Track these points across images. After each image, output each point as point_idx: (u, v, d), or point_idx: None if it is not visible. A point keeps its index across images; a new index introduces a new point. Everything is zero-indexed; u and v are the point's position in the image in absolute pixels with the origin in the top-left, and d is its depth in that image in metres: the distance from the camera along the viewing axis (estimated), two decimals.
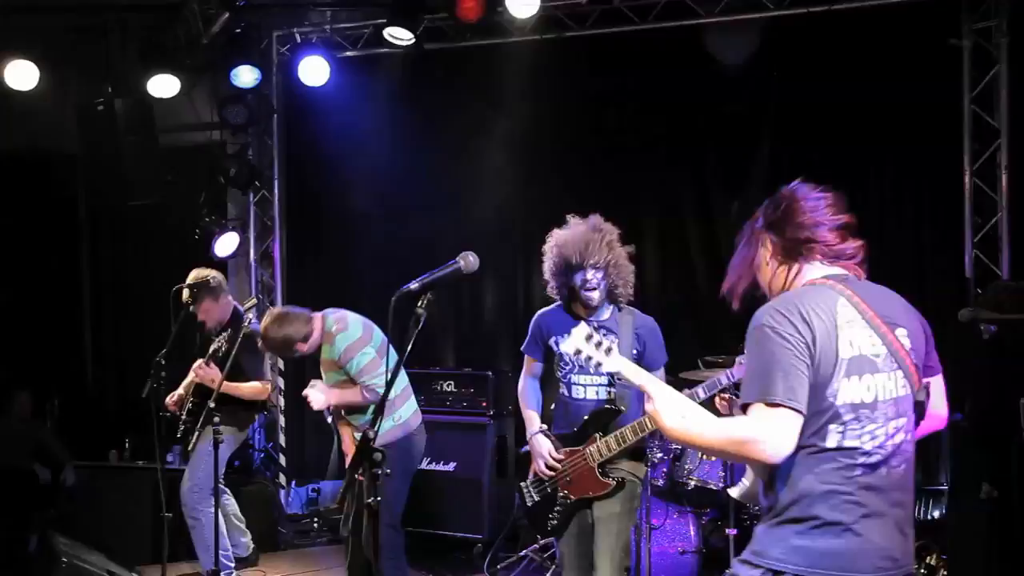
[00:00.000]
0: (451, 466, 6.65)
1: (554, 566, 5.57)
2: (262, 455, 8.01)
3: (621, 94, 7.15)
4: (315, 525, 7.54)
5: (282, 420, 8.08)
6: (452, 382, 6.86)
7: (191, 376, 5.48)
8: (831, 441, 2.24)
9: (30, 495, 7.29)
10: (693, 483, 5.27)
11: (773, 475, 2.31)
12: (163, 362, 4.98)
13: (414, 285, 3.14)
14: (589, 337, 2.75)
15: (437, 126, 7.70)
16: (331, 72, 7.24)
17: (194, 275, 5.49)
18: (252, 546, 6.26)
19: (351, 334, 4.62)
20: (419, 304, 3.05)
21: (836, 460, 2.24)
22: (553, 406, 4.16)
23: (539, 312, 4.30)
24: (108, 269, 8.74)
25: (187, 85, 7.40)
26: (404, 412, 4.71)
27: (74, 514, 6.78)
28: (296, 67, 7.28)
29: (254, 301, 5.32)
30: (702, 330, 6.41)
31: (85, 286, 8.77)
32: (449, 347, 7.93)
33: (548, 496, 4.05)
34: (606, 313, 4.07)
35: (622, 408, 3.93)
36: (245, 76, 7.32)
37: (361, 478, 2.79)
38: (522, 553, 6.20)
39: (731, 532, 5.03)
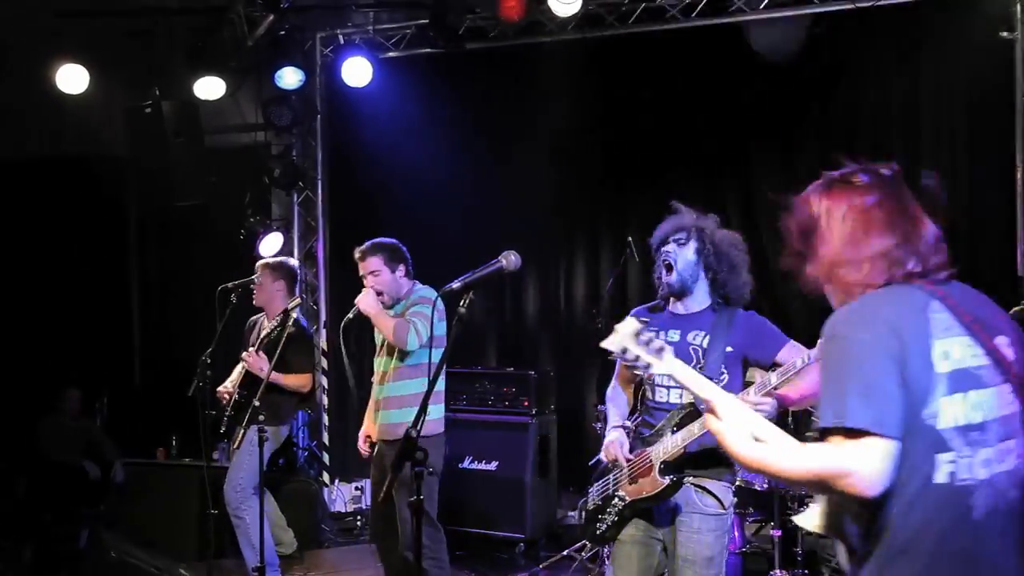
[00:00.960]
0: (493, 465, 6.65)
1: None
2: (306, 453, 8.08)
3: (664, 92, 7.11)
4: (358, 523, 7.59)
5: (326, 418, 8.14)
6: (494, 381, 6.86)
7: (239, 367, 5.55)
8: (941, 475, 1.88)
9: (80, 491, 7.42)
10: (737, 483, 5.21)
11: (871, 514, 1.91)
12: (209, 361, 5.04)
13: (456, 284, 3.14)
14: (638, 333, 2.33)
15: (480, 125, 7.72)
16: (374, 72, 7.29)
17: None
18: (295, 543, 6.31)
19: (434, 306, 4.51)
20: (461, 304, 3.05)
21: (949, 498, 1.88)
22: (638, 413, 3.75)
23: (636, 308, 3.81)
24: (155, 269, 8.87)
25: (232, 87, 7.49)
26: (438, 411, 4.71)
27: (123, 510, 6.89)
28: (339, 68, 7.34)
29: (298, 301, 5.36)
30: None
31: (133, 286, 8.91)
32: (491, 346, 7.95)
33: (607, 498, 3.66)
34: (697, 306, 3.58)
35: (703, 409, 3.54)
36: (289, 77, 7.38)
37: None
38: (564, 553, 6.19)
39: (775, 533, 4.99)
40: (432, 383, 2.99)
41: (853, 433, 1.83)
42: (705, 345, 3.49)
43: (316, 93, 8.01)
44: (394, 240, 4.87)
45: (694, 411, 3.40)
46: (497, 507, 6.57)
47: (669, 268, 3.52)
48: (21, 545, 6.43)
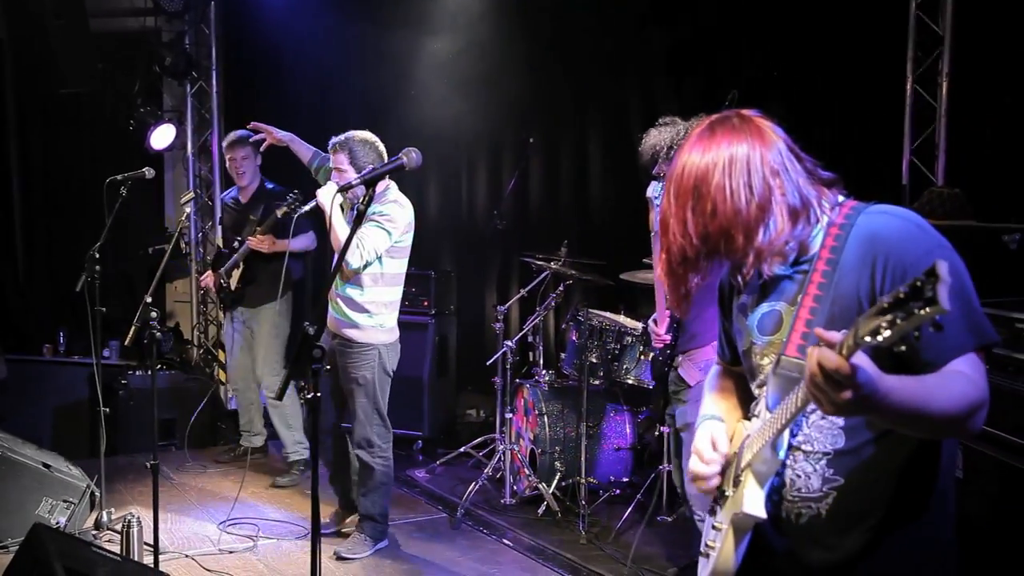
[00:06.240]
0: None
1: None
2: (201, 351, 7.99)
3: (571, 4, 6.98)
4: None
5: (221, 316, 8.02)
6: None
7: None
8: None
9: None
10: (630, 382, 5.38)
11: (933, 458, 1.80)
12: (97, 255, 4.88)
13: (355, 180, 3.10)
14: None
15: (382, 16, 7.48)
16: None
17: None
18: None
19: (405, 214, 4.50)
20: (361, 200, 3.01)
21: None
22: None
23: None
24: (39, 159, 8.44)
25: None
26: (392, 320, 4.70)
27: (7, 408, 6.72)
28: None
29: (191, 195, 5.24)
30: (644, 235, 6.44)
31: (14, 176, 8.48)
32: None
33: None
34: None
35: None
36: None
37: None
38: (462, 450, 6.31)
39: (664, 430, 5.18)
40: (329, 282, 2.97)
41: (980, 353, 1.69)
42: None
43: None
44: (369, 134, 4.65)
45: None
46: (396, 405, 6.57)
47: None
48: None
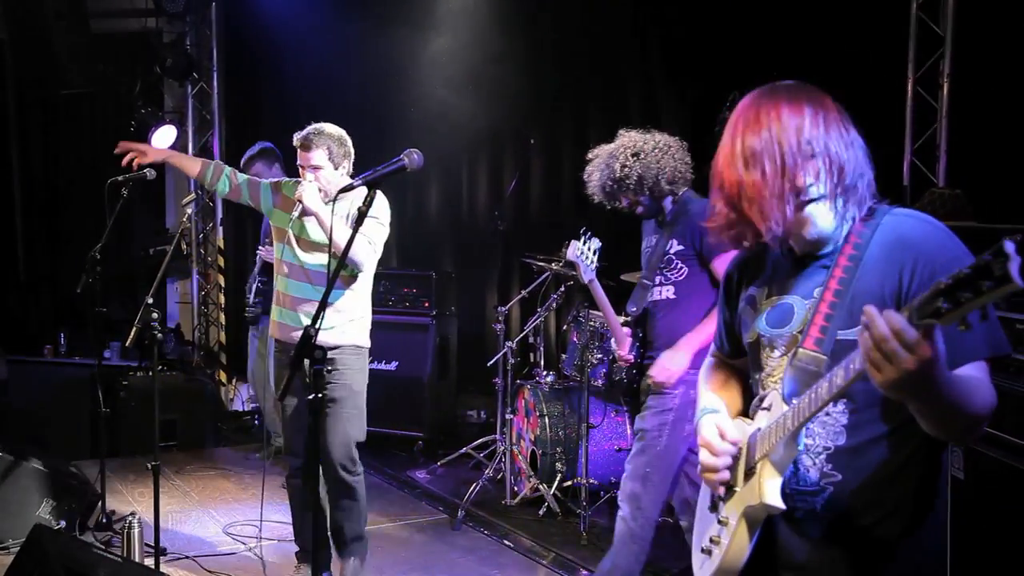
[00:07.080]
0: (393, 365, 6.69)
1: None
2: (203, 352, 7.99)
3: (571, 4, 6.98)
4: (255, 422, 7.57)
5: (223, 318, 8.04)
6: (395, 282, 6.84)
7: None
8: None
9: None
10: (625, 380, 5.35)
11: (934, 465, 1.84)
12: (98, 256, 4.88)
13: (357, 182, 3.10)
14: None
15: (382, 16, 7.48)
16: None
17: None
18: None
19: (388, 204, 4.26)
20: (363, 202, 3.00)
21: None
22: None
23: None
24: (39, 159, 8.47)
25: None
26: (367, 322, 4.51)
27: (7, 408, 6.73)
28: None
29: (192, 197, 5.25)
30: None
31: (15, 176, 8.50)
32: (392, 247, 7.90)
33: None
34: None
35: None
36: None
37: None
38: (463, 450, 6.31)
39: None
40: (330, 286, 2.96)
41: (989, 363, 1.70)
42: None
43: None
44: (340, 130, 4.25)
45: None
46: (397, 406, 6.63)
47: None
48: None
